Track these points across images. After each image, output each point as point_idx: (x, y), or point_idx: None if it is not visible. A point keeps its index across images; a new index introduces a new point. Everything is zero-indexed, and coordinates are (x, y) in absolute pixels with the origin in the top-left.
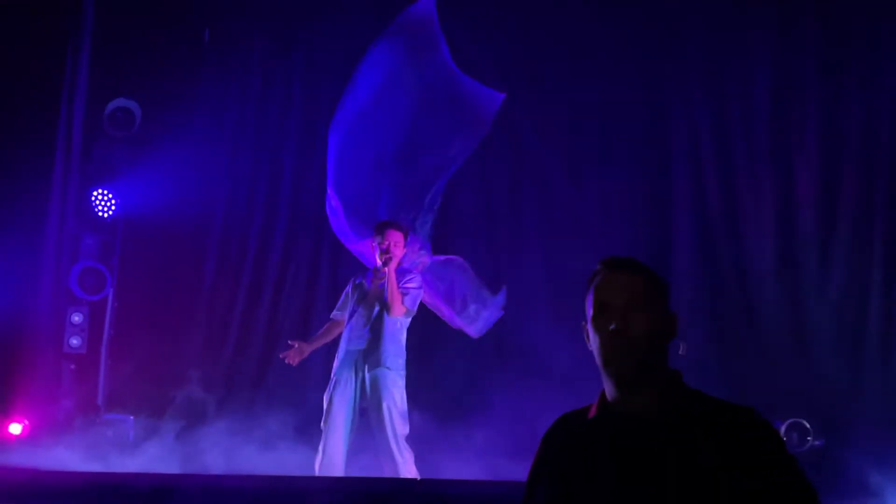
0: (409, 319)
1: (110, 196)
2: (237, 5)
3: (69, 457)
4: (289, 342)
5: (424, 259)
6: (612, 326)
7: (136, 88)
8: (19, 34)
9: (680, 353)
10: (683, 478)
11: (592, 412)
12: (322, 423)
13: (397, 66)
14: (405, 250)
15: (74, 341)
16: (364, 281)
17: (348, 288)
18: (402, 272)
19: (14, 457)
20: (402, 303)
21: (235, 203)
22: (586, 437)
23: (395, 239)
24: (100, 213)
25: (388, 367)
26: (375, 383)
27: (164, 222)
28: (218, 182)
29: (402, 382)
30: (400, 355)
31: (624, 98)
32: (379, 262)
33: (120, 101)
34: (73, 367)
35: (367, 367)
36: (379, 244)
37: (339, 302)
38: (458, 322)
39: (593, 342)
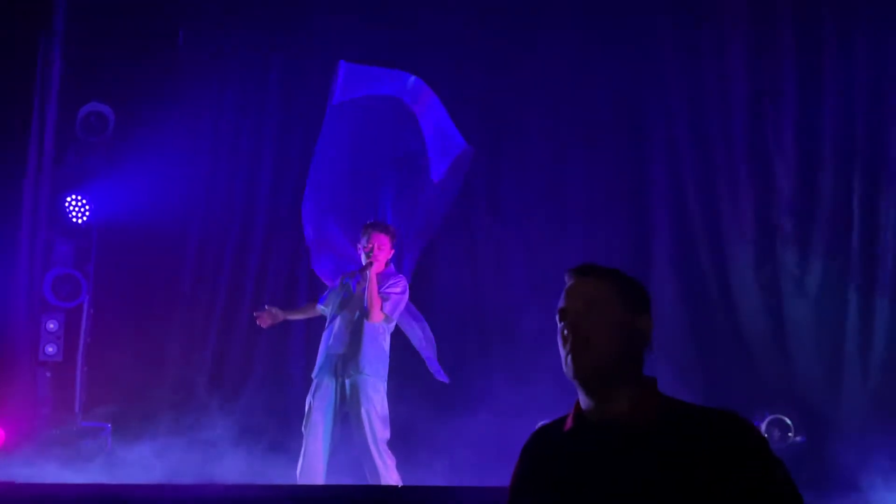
0: (392, 325)
1: (84, 202)
2: (211, 5)
3: (47, 466)
4: (266, 306)
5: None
6: (565, 332)
7: (109, 92)
8: None
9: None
10: (662, 488)
11: (568, 423)
12: (303, 428)
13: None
14: (391, 253)
15: (50, 349)
16: (351, 282)
17: (336, 283)
18: (385, 276)
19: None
20: (382, 309)
21: (213, 206)
22: (563, 448)
23: (380, 242)
24: (74, 219)
25: (367, 373)
26: (355, 388)
27: (140, 227)
28: (194, 185)
29: (382, 387)
30: (380, 360)
31: (602, 99)
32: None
33: (93, 105)
34: (49, 375)
35: (346, 371)
36: (363, 246)
37: (326, 294)
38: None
39: (561, 353)
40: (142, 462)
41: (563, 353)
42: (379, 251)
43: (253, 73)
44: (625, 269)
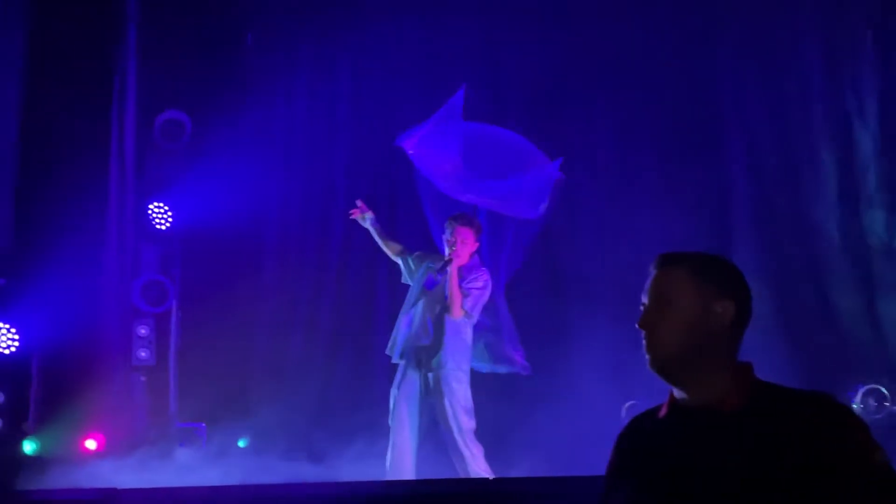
0: (475, 319)
1: (166, 208)
2: (278, 7)
3: (145, 469)
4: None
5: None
6: (636, 325)
7: (183, 99)
8: (66, 51)
9: None
10: (754, 475)
11: (663, 410)
12: (390, 421)
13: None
14: (476, 246)
15: (142, 354)
16: (434, 275)
17: (412, 263)
18: (469, 268)
19: (91, 472)
20: (462, 306)
21: (291, 207)
22: (657, 436)
23: (464, 236)
24: (157, 226)
25: (449, 367)
26: (437, 381)
27: (221, 230)
28: (271, 186)
29: (465, 378)
30: (463, 353)
31: (672, 82)
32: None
33: (170, 114)
34: (143, 379)
35: (429, 365)
36: (447, 240)
37: (410, 260)
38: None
39: None
40: (237, 460)
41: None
42: (462, 246)
43: (322, 71)
44: (708, 248)
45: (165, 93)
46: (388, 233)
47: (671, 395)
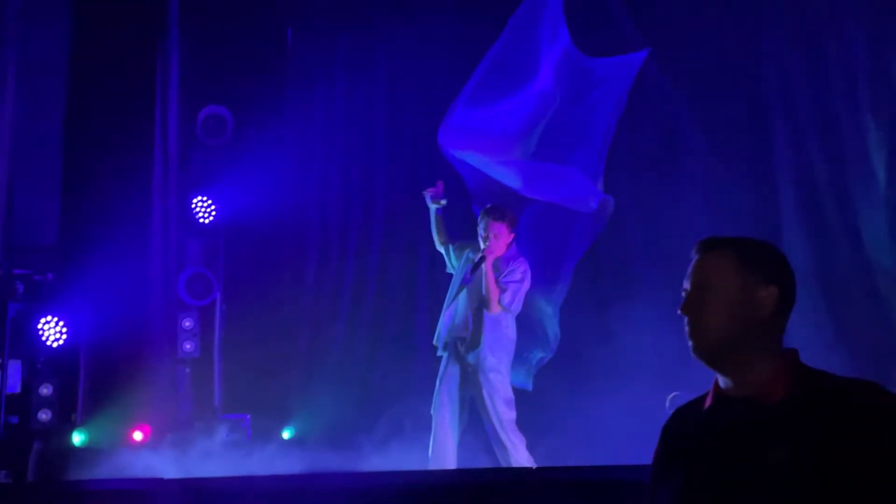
0: (515, 311)
1: (209, 202)
2: (317, 2)
3: (191, 459)
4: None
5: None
6: (678, 312)
7: (225, 94)
8: (110, 49)
9: None
10: (797, 464)
11: (708, 400)
12: (432, 411)
13: (525, 60)
14: (511, 236)
15: (187, 346)
16: (472, 262)
17: (453, 253)
18: (505, 260)
19: (138, 462)
20: (500, 301)
21: (331, 200)
22: (701, 426)
23: (497, 230)
24: (201, 220)
25: (489, 359)
26: (476, 372)
27: (263, 224)
28: (312, 180)
29: (505, 370)
30: (502, 345)
31: (719, 67)
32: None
33: (211, 109)
34: (188, 370)
35: (469, 357)
36: (480, 235)
37: (454, 249)
38: None
39: None
40: (281, 450)
41: None
42: (496, 240)
43: (360, 65)
44: (754, 233)
45: (207, 88)
46: (446, 223)
47: (715, 384)
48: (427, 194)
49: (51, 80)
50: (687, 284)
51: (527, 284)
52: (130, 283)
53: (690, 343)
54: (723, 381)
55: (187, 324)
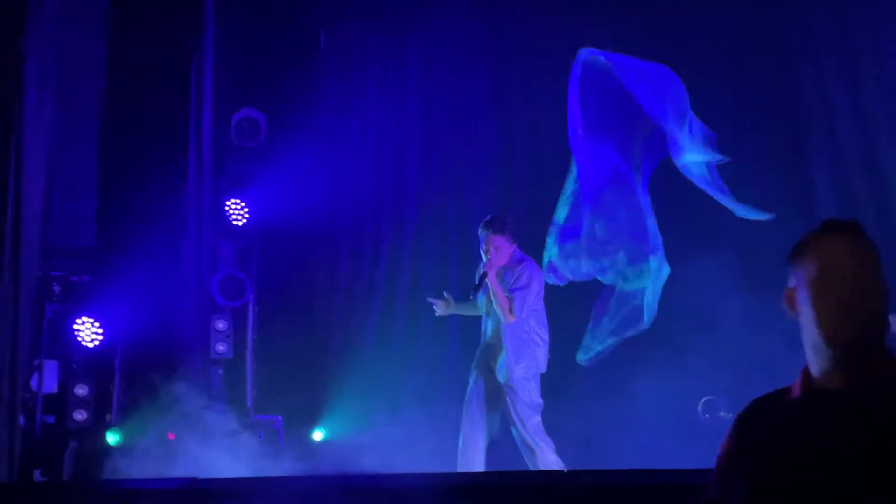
0: (536, 312)
1: (243, 205)
2: (350, 6)
3: (222, 460)
4: (444, 293)
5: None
6: (839, 294)
7: (259, 97)
8: (145, 52)
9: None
10: None
11: (795, 393)
12: (462, 419)
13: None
14: (513, 247)
15: (220, 347)
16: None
17: (479, 270)
18: (510, 268)
19: (172, 462)
20: (511, 311)
21: (363, 202)
22: (794, 422)
23: (497, 243)
24: (234, 222)
25: (511, 367)
26: (501, 382)
27: (296, 226)
28: (345, 182)
29: (528, 375)
30: (523, 352)
31: (751, 52)
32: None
33: (245, 112)
34: (220, 372)
35: (494, 366)
36: (482, 248)
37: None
38: None
39: (807, 312)
40: (313, 452)
41: (814, 315)
42: (496, 253)
43: (393, 68)
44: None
45: (241, 91)
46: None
47: (805, 374)
48: (435, 308)
49: (87, 83)
50: (837, 262)
51: (535, 286)
52: (165, 285)
53: (841, 328)
54: (821, 372)
55: (220, 325)
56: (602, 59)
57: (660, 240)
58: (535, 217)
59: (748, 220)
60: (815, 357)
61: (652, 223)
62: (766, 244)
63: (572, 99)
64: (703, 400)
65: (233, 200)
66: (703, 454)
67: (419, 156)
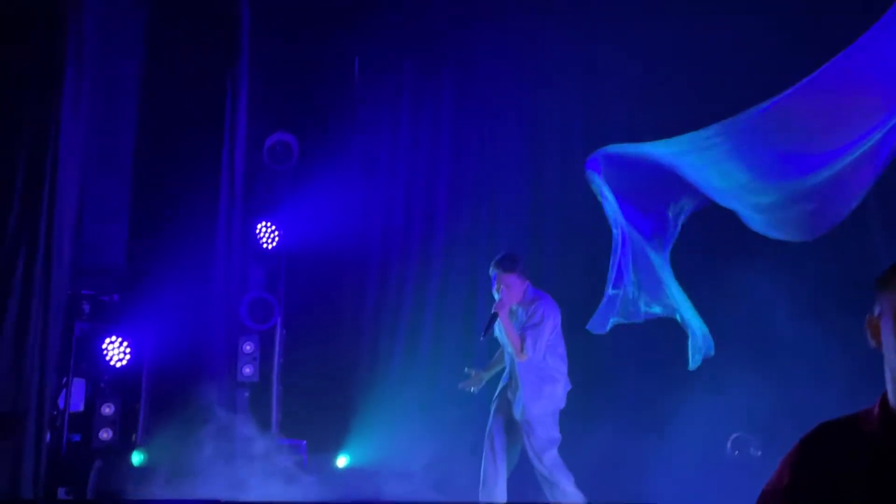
0: (548, 349)
1: (273, 227)
2: (385, 32)
3: (248, 483)
4: (466, 370)
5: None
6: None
7: (292, 121)
8: (180, 76)
9: None
10: None
11: (873, 420)
12: (483, 451)
13: None
14: (525, 283)
15: (247, 370)
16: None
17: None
18: (524, 304)
19: (196, 484)
20: (522, 349)
21: (393, 228)
22: (869, 451)
23: (507, 281)
24: (264, 245)
25: (526, 404)
26: (517, 417)
27: (325, 251)
28: (375, 208)
29: (544, 411)
30: (541, 391)
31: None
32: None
33: (278, 136)
34: (247, 394)
35: (514, 396)
36: (493, 286)
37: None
38: None
39: (891, 342)
40: (338, 477)
41: None
42: (508, 291)
43: (426, 94)
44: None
45: (275, 115)
46: (493, 359)
47: (884, 402)
48: (472, 389)
49: (122, 104)
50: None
51: (549, 323)
52: (193, 306)
53: None
54: None
55: (248, 348)
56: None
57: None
58: (566, 245)
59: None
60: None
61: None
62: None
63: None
64: (733, 436)
65: (263, 223)
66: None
67: (449, 183)
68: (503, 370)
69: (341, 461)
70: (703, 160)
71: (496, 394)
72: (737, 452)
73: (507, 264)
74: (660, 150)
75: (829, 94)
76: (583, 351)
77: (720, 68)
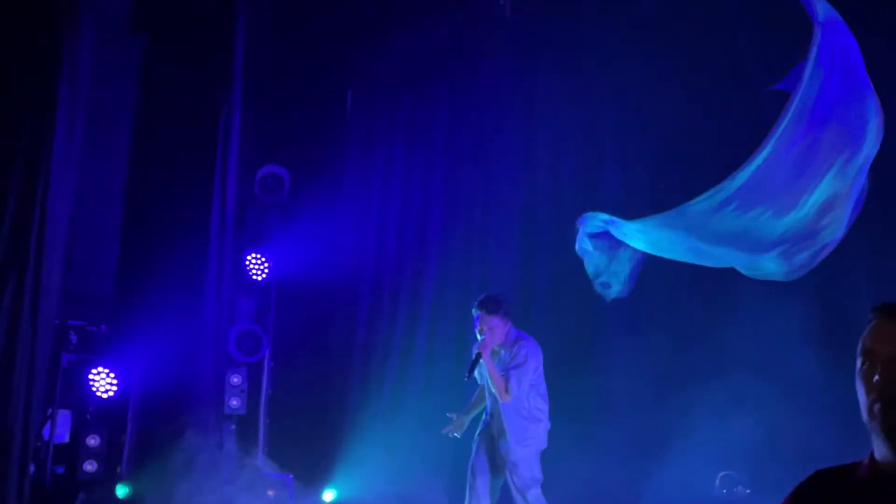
0: (529, 393)
1: (263, 259)
2: (378, 66)
3: None
4: (447, 414)
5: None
6: (875, 379)
7: (284, 154)
8: (173, 107)
9: None
10: None
11: (862, 472)
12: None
13: None
14: (507, 326)
15: (234, 402)
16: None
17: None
18: (507, 346)
19: None
20: (507, 390)
21: (384, 261)
22: (855, 499)
23: (490, 324)
24: (254, 277)
25: (510, 443)
26: (502, 455)
27: (314, 283)
28: (366, 242)
29: (528, 452)
30: (526, 432)
31: None
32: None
33: (269, 168)
34: (233, 427)
35: (500, 445)
36: (476, 326)
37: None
38: None
39: (860, 395)
40: None
41: (866, 397)
42: (490, 333)
43: (418, 128)
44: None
45: (267, 148)
46: (472, 400)
47: (872, 456)
48: (455, 434)
49: (115, 135)
50: (878, 347)
51: (532, 363)
52: (181, 337)
53: (879, 415)
54: (883, 455)
55: (235, 380)
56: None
57: None
58: (558, 279)
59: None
60: (875, 439)
61: None
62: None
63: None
64: (721, 474)
65: (253, 255)
66: None
67: (441, 217)
68: (483, 409)
69: (328, 495)
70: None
71: (478, 431)
72: (724, 491)
73: (491, 306)
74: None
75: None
76: (575, 381)
77: (717, 100)
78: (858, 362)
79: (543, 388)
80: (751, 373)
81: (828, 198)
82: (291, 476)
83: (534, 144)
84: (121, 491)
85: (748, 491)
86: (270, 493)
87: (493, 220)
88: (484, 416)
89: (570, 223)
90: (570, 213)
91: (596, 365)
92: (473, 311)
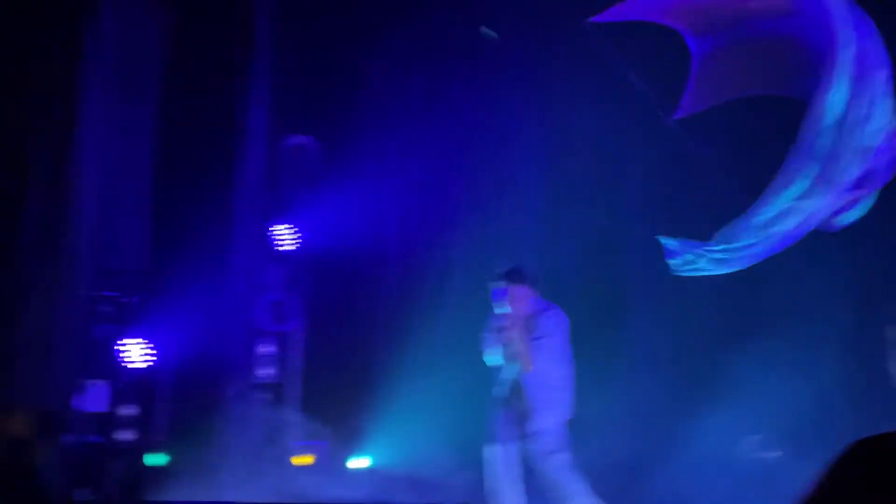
0: (558, 362)
1: (292, 229)
2: (398, 40)
3: (266, 484)
4: None
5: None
6: None
7: (311, 124)
8: (199, 78)
9: None
10: None
11: None
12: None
13: None
14: (534, 294)
15: (266, 371)
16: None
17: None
18: (534, 316)
19: (215, 485)
20: (532, 360)
21: (411, 228)
22: None
23: (516, 293)
24: (283, 247)
25: (535, 414)
26: (524, 424)
27: (344, 251)
28: (394, 208)
29: (553, 421)
30: (549, 399)
31: None
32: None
33: (297, 138)
34: (265, 395)
35: (519, 415)
36: (503, 297)
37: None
38: None
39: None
40: (357, 478)
41: None
42: (516, 303)
43: (440, 97)
44: None
45: (294, 118)
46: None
47: None
48: None
49: (143, 108)
50: None
51: (560, 333)
52: (213, 308)
53: None
54: None
55: (267, 349)
56: None
57: None
58: (584, 251)
59: None
60: None
61: None
62: None
63: None
64: (752, 438)
65: (282, 225)
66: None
67: (465, 185)
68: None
69: (362, 462)
70: None
71: (501, 402)
72: (753, 453)
73: (516, 276)
74: None
75: None
76: (598, 351)
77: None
78: None
79: (570, 354)
80: (801, 335)
81: None
82: (326, 443)
83: (554, 109)
84: (157, 459)
85: (780, 453)
86: (305, 460)
87: (518, 185)
88: (506, 386)
89: (598, 197)
90: (598, 187)
91: (632, 324)
92: (497, 282)
